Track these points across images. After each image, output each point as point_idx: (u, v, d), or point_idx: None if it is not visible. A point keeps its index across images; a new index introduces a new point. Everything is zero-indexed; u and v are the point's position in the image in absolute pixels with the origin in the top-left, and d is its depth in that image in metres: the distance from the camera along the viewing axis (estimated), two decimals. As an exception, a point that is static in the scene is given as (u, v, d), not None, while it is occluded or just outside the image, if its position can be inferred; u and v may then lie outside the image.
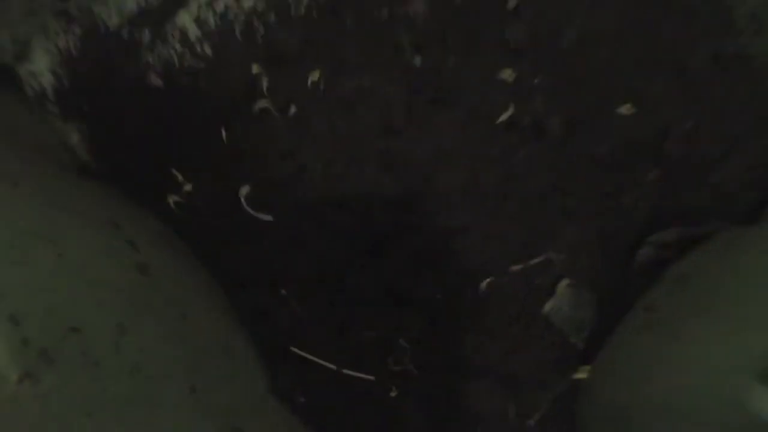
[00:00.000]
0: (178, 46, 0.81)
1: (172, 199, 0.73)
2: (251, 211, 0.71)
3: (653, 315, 0.60)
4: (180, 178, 0.72)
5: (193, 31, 0.81)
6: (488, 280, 0.69)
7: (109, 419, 0.48)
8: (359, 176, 0.72)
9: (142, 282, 0.59)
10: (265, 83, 0.77)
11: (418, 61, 0.75)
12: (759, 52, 0.71)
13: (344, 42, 0.78)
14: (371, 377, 0.68)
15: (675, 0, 0.73)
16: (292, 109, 0.76)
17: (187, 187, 0.72)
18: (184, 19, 0.81)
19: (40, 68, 0.78)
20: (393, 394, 0.69)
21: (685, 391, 0.50)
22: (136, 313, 0.56)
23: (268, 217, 0.71)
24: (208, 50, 0.81)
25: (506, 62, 0.74)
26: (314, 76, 0.76)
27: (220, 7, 0.82)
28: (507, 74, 0.73)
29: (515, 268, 0.70)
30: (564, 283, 0.69)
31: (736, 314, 0.48)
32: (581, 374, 0.67)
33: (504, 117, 0.73)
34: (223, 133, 0.75)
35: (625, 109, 0.72)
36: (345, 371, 0.68)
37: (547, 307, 0.69)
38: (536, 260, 0.70)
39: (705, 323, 0.52)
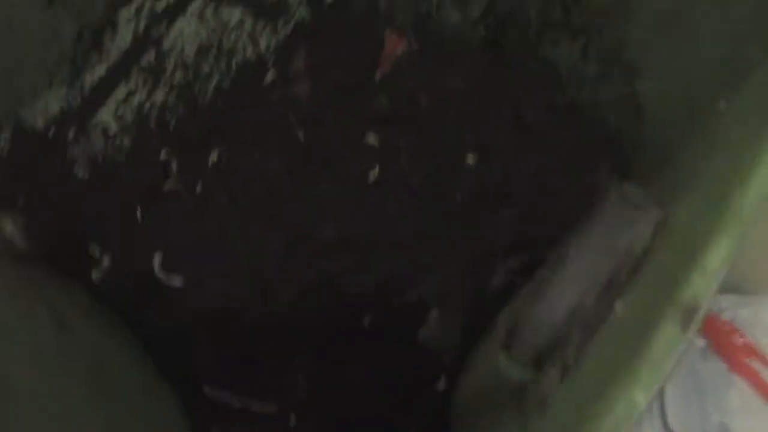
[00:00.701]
0: (100, 140, 0.94)
1: (95, 274, 0.85)
2: (163, 277, 0.84)
3: (491, 331, 0.73)
4: (97, 254, 0.85)
5: (113, 126, 0.95)
6: (369, 317, 0.81)
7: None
8: (253, 237, 0.85)
9: (58, 335, 0.72)
10: (174, 166, 0.90)
11: (301, 135, 0.89)
12: (584, 100, 0.85)
13: (242, 125, 0.92)
14: (273, 408, 0.80)
15: (512, 62, 0.87)
16: (198, 187, 0.89)
17: (106, 262, 0.85)
18: (104, 115, 0.95)
19: (-26, 170, 0.90)
20: (292, 421, 0.81)
21: (486, 377, 0.63)
22: (51, 361, 0.68)
23: (178, 280, 0.84)
24: (126, 141, 0.95)
25: (372, 129, 0.88)
26: (214, 156, 0.90)
27: (135, 102, 0.96)
28: (372, 139, 0.87)
29: (391, 303, 0.82)
30: (433, 313, 0.82)
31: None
32: (441, 384, 0.79)
33: (373, 176, 0.86)
34: (138, 212, 0.88)
35: (473, 161, 0.85)
36: (251, 405, 0.80)
37: (421, 334, 0.82)
38: (409, 296, 0.82)
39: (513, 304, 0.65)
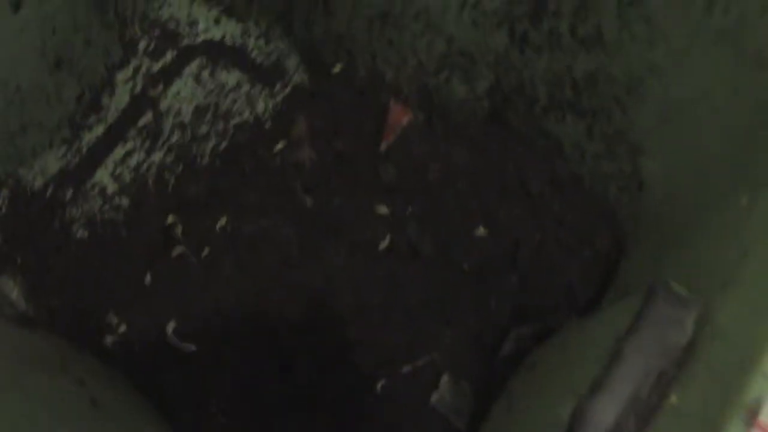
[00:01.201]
0: (98, 200, 0.95)
1: (109, 339, 0.87)
2: (177, 343, 0.86)
3: (511, 398, 0.77)
4: (115, 319, 0.86)
5: (111, 186, 0.96)
6: (382, 382, 0.84)
7: None
8: (265, 305, 0.87)
9: (95, 414, 0.73)
10: (179, 230, 0.92)
11: (308, 201, 0.92)
12: (585, 173, 0.89)
13: (245, 188, 0.94)
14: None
15: (516, 134, 0.91)
16: (205, 251, 0.91)
17: (122, 327, 0.86)
18: (102, 175, 0.96)
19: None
20: None
21: None
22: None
23: (192, 347, 0.85)
24: (125, 201, 0.96)
25: (381, 198, 0.91)
26: (222, 221, 0.92)
27: (133, 162, 0.97)
28: (382, 209, 0.90)
29: (404, 369, 0.85)
30: (445, 377, 0.85)
31: (557, 392, 0.65)
32: None
33: (383, 245, 0.90)
34: (148, 277, 0.90)
35: (480, 231, 0.89)
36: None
37: (433, 398, 0.85)
38: (421, 361, 0.85)
39: (539, 401, 0.69)
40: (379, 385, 0.84)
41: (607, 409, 0.54)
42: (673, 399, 0.55)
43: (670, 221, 0.79)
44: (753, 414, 0.49)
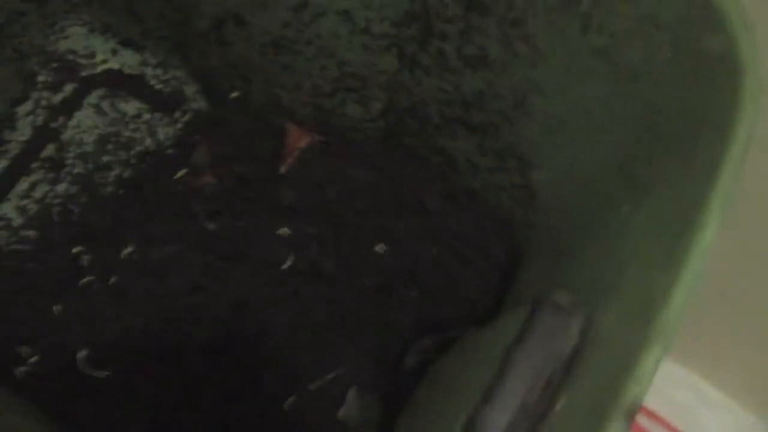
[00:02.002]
0: (3, 233, 0.96)
1: (20, 371, 0.87)
2: (88, 371, 0.87)
3: (416, 410, 0.80)
4: (24, 351, 0.87)
5: (16, 219, 0.96)
6: (290, 400, 0.86)
7: None
8: (174, 331, 0.88)
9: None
10: (86, 259, 0.93)
11: (211, 226, 0.94)
12: (479, 186, 0.93)
13: (149, 216, 0.96)
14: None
15: (411, 152, 0.94)
16: (113, 279, 0.92)
17: (33, 359, 0.87)
18: (7, 209, 0.96)
19: None
20: None
21: None
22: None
23: (103, 374, 0.87)
24: (32, 234, 0.97)
25: (283, 219, 0.94)
26: (128, 249, 0.93)
27: (37, 194, 0.98)
28: (284, 230, 0.93)
29: (311, 386, 0.88)
30: (352, 391, 0.88)
31: (453, 403, 0.68)
32: None
33: (286, 265, 0.92)
34: (55, 308, 0.91)
35: (380, 248, 0.92)
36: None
37: (341, 413, 0.88)
38: (328, 377, 0.88)
39: (437, 413, 0.72)
40: (287, 404, 0.85)
41: (497, 418, 0.57)
42: (560, 404, 0.58)
43: (561, 231, 0.82)
44: (632, 410, 0.53)
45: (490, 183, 0.89)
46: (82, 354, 0.87)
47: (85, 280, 0.89)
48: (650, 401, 1.10)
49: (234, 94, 0.97)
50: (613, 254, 0.65)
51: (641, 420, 1.05)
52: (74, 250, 0.91)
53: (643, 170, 0.69)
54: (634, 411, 0.53)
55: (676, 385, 1.12)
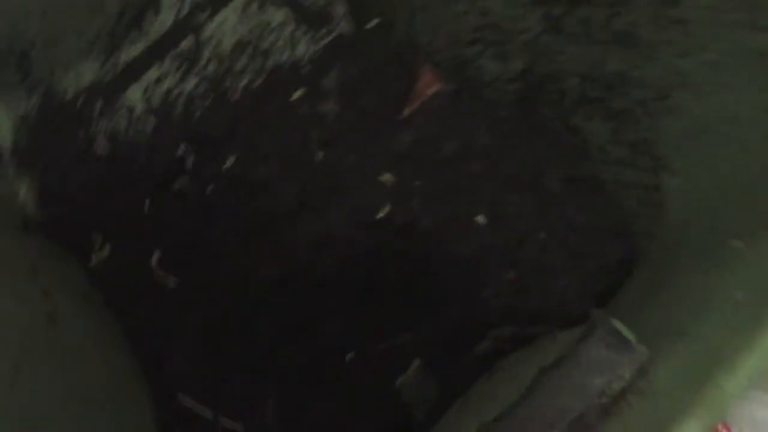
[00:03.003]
0: (124, 119, 0.94)
1: (94, 258, 0.86)
2: (159, 274, 0.84)
3: (468, 400, 0.72)
4: (100, 240, 0.85)
5: (139, 106, 0.94)
6: (351, 355, 0.81)
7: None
8: (251, 255, 0.84)
9: (47, 330, 0.72)
10: (190, 162, 0.90)
11: (320, 155, 0.88)
12: (607, 178, 0.83)
13: (264, 131, 0.91)
14: (239, 426, 0.80)
15: (542, 124, 0.85)
16: (208, 189, 0.89)
17: (106, 250, 0.85)
18: (133, 94, 0.94)
19: (1, 132, 0.91)
20: None
21: None
22: (33, 358, 0.69)
23: (172, 281, 0.84)
24: (150, 125, 0.94)
25: (391, 165, 0.87)
26: (230, 161, 0.89)
27: (164, 87, 0.95)
28: (389, 177, 0.86)
29: (377, 346, 0.82)
30: (415, 363, 0.81)
31: (483, 411, 0.61)
32: None
33: (382, 213, 0.85)
34: (146, 204, 0.88)
35: (483, 219, 0.84)
36: (220, 420, 0.80)
37: (399, 382, 0.81)
38: (395, 342, 0.82)
39: (482, 410, 0.64)
40: (347, 358, 0.80)
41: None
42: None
43: (673, 252, 0.73)
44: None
45: (619, 177, 0.80)
46: (156, 256, 0.84)
47: (181, 183, 0.85)
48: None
49: (375, 22, 0.89)
50: (703, 295, 0.55)
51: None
52: (182, 151, 0.87)
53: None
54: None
55: None
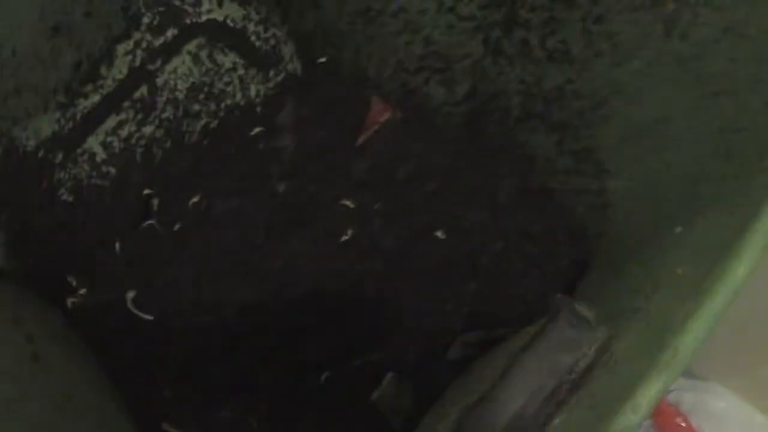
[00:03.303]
0: (86, 166, 0.98)
1: (69, 301, 0.89)
2: (135, 311, 0.88)
3: (443, 403, 0.77)
4: (74, 283, 0.89)
5: (100, 154, 0.98)
6: (326, 374, 0.85)
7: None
8: (221, 285, 0.88)
9: (33, 368, 0.75)
10: (156, 203, 0.94)
11: (281, 188, 0.93)
12: (555, 186, 0.89)
13: (225, 169, 0.96)
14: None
15: (489, 143, 0.91)
16: (177, 226, 0.93)
17: (82, 291, 0.89)
18: (93, 143, 0.98)
19: (-38, 186, 0.94)
20: None
21: None
22: (23, 394, 0.72)
23: (149, 317, 0.87)
24: (112, 170, 0.98)
25: (350, 191, 0.92)
26: (196, 198, 0.93)
27: (124, 133, 0.99)
28: (349, 202, 0.91)
29: (351, 363, 0.86)
30: (389, 375, 0.86)
31: (457, 404, 0.65)
32: None
33: (345, 237, 0.90)
34: (117, 245, 0.92)
35: (443, 234, 0.90)
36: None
37: (375, 395, 0.86)
38: (368, 357, 0.86)
39: (447, 409, 0.69)
40: (323, 377, 0.84)
41: (489, 424, 0.54)
42: (557, 422, 0.55)
43: (624, 246, 0.78)
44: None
45: (566, 185, 0.86)
46: (131, 294, 0.88)
47: (149, 223, 0.89)
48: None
49: (322, 60, 0.95)
50: (651, 276, 0.61)
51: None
52: (146, 192, 0.91)
53: (710, 190, 0.65)
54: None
55: (750, 430, 1.06)
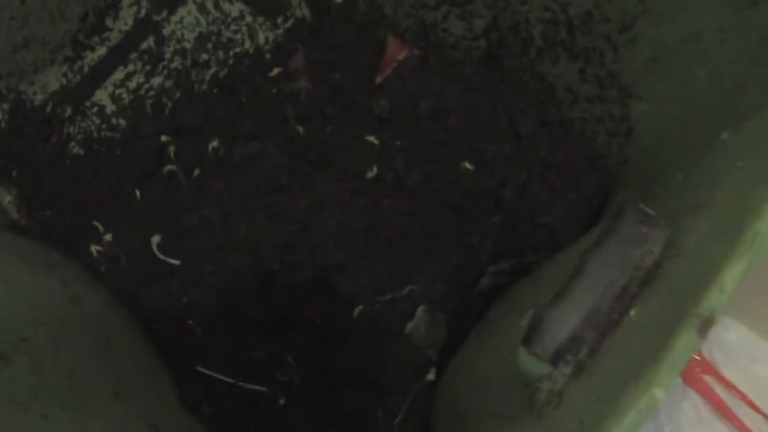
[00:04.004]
0: (95, 119, 0.97)
1: (94, 248, 0.88)
2: (161, 256, 0.87)
3: (483, 325, 0.78)
4: (101, 229, 0.88)
5: (109, 107, 0.97)
6: (360, 307, 0.85)
7: (52, 406, 0.63)
8: (250, 226, 0.88)
9: (73, 310, 0.75)
10: (172, 150, 0.93)
11: (300, 129, 0.93)
12: (576, 117, 0.90)
13: (239, 114, 0.95)
14: (263, 389, 0.84)
15: (510, 75, 0.92)
16: (196, 172, 0.92)
17: (108, 237, 0.88)
18: (101, 96, 0.97)
19: (-27, 141, 0.92)
20: (281, 402, 0.84)
21: (496, 368, 0.68)
22: (68, 332, 0.71)
23: (176, 261, 0.87)
24: (122, 122, 0.97)
25: (372, 129, 0.92)
26: (214, 143, 0.93)
27: (132, 85, 0.98)
28: (372, 139, 0.91)
29: (382, 297, 0.86)
30: (422, 308, 0.86)
31: (523, 309, 0.66)
32: (430, 376, 0.84)
33: (370, 174, 0.91)
34: (137, 192, 0.91)
35: (467, 167, 0.90)
36: (241, 384, 0.84)
37: (408, 327, 0.86)
38: (400, 291, 0.87)
39: (506, 320, 0.70)
40: (356, 311, 0.84)
41: (563, 319, 0.55)
42: (633, 314, 0.55)
43: (655, 165, 0.80)
44: (707, 323, 0.50)
45: (587, 114, 0.87)
46: (155, 240, 0.87)
47: (168, 168, 0.89)
48: (730, 374, 1.06)
49: (339, 1, 0.95)
50: (708, 175, 0.62)
51: (719, 391, 1.01)
52: (162, 140, 0.91)
53: (751, 97, 0.66)
54: (709, 324, 0.51)
55: (759, 360, 1.08)
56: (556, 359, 0.55)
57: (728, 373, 1.05)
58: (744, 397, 1.00)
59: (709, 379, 1.01)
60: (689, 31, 0.72)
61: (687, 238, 0.57)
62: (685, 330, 0.50)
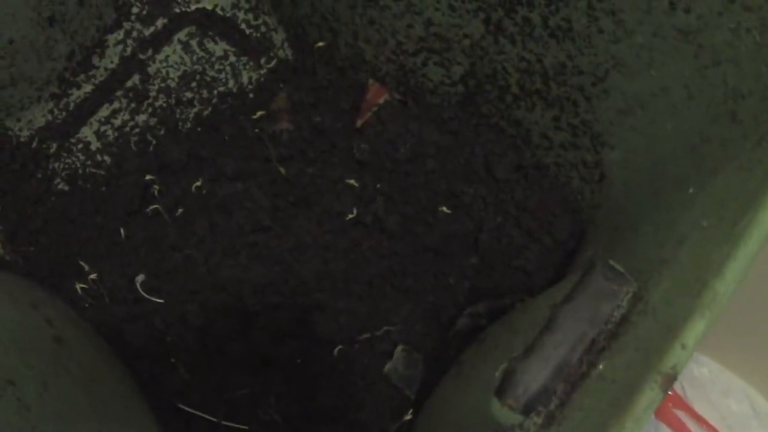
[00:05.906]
0: (80, 156, 0.99)
1: (78, 285, 0.90)
2: (145, 295, 0.89)
3: (461, 368, 0.80)
4: (86, 267, 0.90)
5: (94, 143, 0.99)
6: (339, 347, 0.88)
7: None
8: (233, 266, 0.90)
9: (58, 350, 0.77)
10: (156, 189, 0.96)
11: (282, 170, 0.95)
12: (551, 162, 0.93)
13: (222, 154, 0.98)
14: (245, 427, 0.86)
15: (487, 120, 0.95)
16: (179, 211, 0.95)
17: (92, 274, 0.90)
18: (86, 132, 0.99)
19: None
20: None
21: (470, 413, 0.71)
22: (55, 373, 0.73)
23: (160, 300, 0.89)
24: (107, 159, 0.99)
25: (352, 172, 0.95)
26: (197, 183, 0.95)
27: (117, 122, 1.00)
28: (352, 182, 0.94)
29: (361, 337, 0.89)
30: (400, 348, 0.89)
31: (498, 358, 0.69)
32: (408, 416, 0.86)
33: (351, 216, 0.93)
34: (122, 230, 0.93)
35: (444, 210, 0.93)
36: (223, 422, 0.86)
37: (386, 367, 0.89)
38: (378, 331, 0.89)
39: (482, 368, 0.72)
40: (335, 351, 0.86)
41: (535, 372, 0.58)
42: (601, 367, 0.58)
43: (626, 213, 0.82)
44: (669, 380, 0.53)
45: (562, 160, 0.89)
46: (140, 278, 0.89)
47: (152, 208, 0.91)
48: (702, 408, 1.09)
49: (320, 44, 0.97)
50: (673, 231, 0.65)
51: (691, 425, 1.05)
52: (146, 179, 0.93)
53: (714, 152, 0.69)
54: (671, 380, 0.53)
55: (730, 395, 1.11)
56: (527, 410, 0.57)
57: (700, 408, 1.08)
58: None
59: (681, 414, 1.04)
60: (658, 85, 0.75)
61: (652, 295, 0.59)
62: (649, 387, 0.53)
